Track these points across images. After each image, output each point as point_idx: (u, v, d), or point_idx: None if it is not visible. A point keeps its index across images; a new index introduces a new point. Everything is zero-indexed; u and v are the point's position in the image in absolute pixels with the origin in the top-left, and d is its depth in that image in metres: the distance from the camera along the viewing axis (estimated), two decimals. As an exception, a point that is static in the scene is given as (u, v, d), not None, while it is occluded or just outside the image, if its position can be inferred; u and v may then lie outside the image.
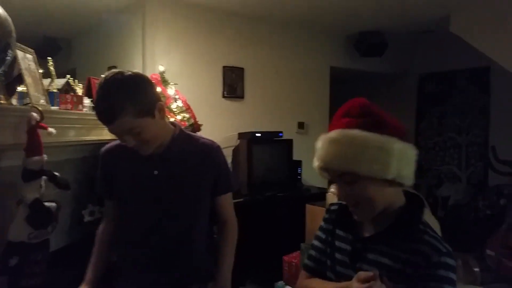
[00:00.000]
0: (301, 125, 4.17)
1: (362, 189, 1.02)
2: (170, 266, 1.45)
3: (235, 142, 3.50)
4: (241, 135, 3.46)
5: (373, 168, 0.98)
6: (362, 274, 0.97)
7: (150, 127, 1.30)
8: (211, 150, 1.49)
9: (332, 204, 1.27)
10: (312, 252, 1.24)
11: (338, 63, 4.52)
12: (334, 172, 1.05)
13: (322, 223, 1.26)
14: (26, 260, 1.40)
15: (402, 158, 1.01)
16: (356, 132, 1.00)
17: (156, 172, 1.41)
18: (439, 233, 2.59)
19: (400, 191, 1.09)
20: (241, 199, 3.13)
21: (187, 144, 1.47)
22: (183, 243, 1.46)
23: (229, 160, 3.50)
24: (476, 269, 3.29)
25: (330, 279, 1.16)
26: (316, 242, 1.25)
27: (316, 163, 1.08)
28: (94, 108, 1.29)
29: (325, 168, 1.06)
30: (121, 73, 1.27)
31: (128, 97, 1.23)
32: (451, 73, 4.78)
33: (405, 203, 1.08)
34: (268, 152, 3.45)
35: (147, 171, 1.41)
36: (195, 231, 1.48)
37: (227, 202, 1.57)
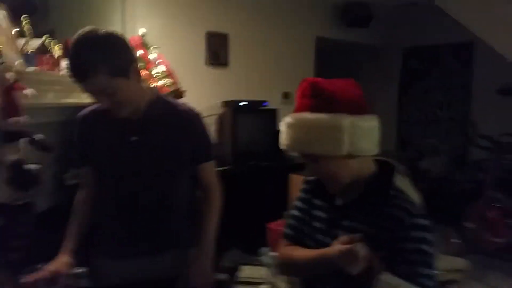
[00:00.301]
0: (285, 95, 4.14)
1: (324, 166, 1.08)
2: (148, 234, 1.43)
3: (219, 110, 3.45)
4: (225, 104, 3.41)
5: (325, 148, 1.03)
6: (345, 237, 1.00)
7: (124, 88, 1.24)
8: (190, 117, 1.44)
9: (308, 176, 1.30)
10: (291, 221, 1.27)
11: (324, 33, 4.47)
12: (296, 153, 1.11)
13: (300, 193, 1.29)
14: (12, 221, 1.39)
15: (355, 132, 1.03)
16: (306, 115, 1.05)
17: (133, 138, 1.37)
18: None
19: (368, 160, 1.12)
20: (225, 168, 3.13)
21: (165, 110, 1.41)
22: (161, 210, 1.44)
23: (212, 128, 3.47)
24: (456, 241, 3.41)
25: (309, 247, 1.18)
26: (294, 212, 1.27)
27: (281, 145, 1.15)
28: (68, 68, 1.21)
29: (289, 150, 1.12)
30: (95, 30, 1.21)
31: (101, 55, 1.17)
32: (435, 47, 4.79)
33: (376, 171, 1.12)
34: (252, 121, 3.42)
35: (124, 137, 1.37)
36: (173, 197, 1.46)
37: (208, 170, 1.53)
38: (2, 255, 1.41)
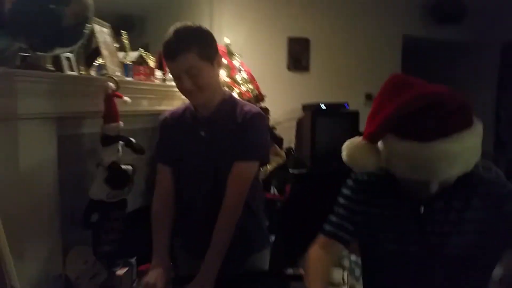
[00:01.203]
0: (368, 97, 4.03)
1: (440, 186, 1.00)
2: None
3: (300, 114, 3.48)
4: (305, 107, 3.43)
5: (461, 170, 0.94)
6: None
7: (207, 73, 1.36)
8: (249, 114, 1.42)
9: (360, 175, 1.18)
10: (334, 219, 1.19)
11: (411, 31, 4.26)
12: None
13: (345, 191, 1.19)
14: (106, 217, 1.56)
15: None
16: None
17: (202, 134, 1.47)
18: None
19: None
20: (304, 170, 3.15)
21: (232, 109, 1.47)
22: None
23: (293, 132, 3.52)
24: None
25: (391, 252, 1.09)
26: (341, 210, 1.19)
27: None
28: (163, 47, 1.37)
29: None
30: (190, 22, 1.40)
31: (193, 38, 1.34)
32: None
33: None
34: (332, 124, 3.39)
35: (195, 133, 1.48)
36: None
37: (243, 169, 1.40)
38: (97, 247, 1.57)
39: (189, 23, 1.39)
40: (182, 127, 1.52)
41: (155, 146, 1.60)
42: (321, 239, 1.21)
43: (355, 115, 3.50)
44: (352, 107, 3.55)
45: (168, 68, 1.43)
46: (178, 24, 1.38)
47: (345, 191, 1.20)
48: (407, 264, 1.07)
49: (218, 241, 1.36)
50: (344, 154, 1.03)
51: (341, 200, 1.20)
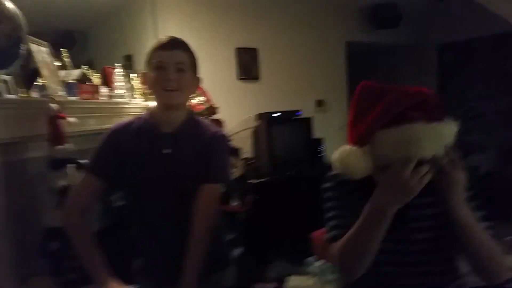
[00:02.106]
0: (319, 103, 4.12)
1: None
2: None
3: (254, 123, 3.49)
4: (259, 116, 3.44)
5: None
6: None
7: (190, 78, 1.41)
8: (217, 137, 1.45)
9: (335, 176, 1.18)
10: (335, 222, 1.16)
11: (353, 37, 4.43)
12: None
13: (330, 194, 1.19)
14: (67, 244, 1.44)
15: None
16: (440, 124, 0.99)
17: (164, 151, 1.39)
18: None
19: None
20: (263, 179, 3.14)
21: (196, 129, 1.44)
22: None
23: (249, 142, 3.51)
24: (509, 238, 3.21)
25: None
26: (335, 212, 1.17)
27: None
28: (159, 41, 1.40)
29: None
30: None
31: (189, 47, 1.43)
32: (470, 41, 4.61)
33: None
34: (287, 131, 3.43)
35: (157, 150, 1.39)
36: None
37: (212, 192, 1.41)
38: (59, 276, 1.47)
39: None
40: (140, 142, 1.40)
41: (91, 155, 1.41)
42: (332, 246, 1.16)
43: (307, 122, 3.56)
44: (304, 114, 3.61)
45: (158, 57, 1.37)
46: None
47: (329, 193, 1.20)
48: (389, 263, 1.11)
49: (193, 267, 1.34)
50: (337, 163, 1.07)
51: (329, 204, 1.19)
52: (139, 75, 2.64)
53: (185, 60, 1.39)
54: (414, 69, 5.01)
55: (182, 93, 1.40)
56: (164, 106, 1.41)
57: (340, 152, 1.07)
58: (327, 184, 1.21)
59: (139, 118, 1.47)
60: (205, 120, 1.57)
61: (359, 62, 4.70)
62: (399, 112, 0.98)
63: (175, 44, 1.39)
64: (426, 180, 0.95)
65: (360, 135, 1.04)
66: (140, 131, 1.41)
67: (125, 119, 1.48)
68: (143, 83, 1.59)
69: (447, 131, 0.99)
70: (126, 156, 1.39)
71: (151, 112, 1.47)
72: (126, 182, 1.43)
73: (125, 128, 1.44)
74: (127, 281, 1.64)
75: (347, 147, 1.06)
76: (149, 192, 1.42)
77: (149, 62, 1.40)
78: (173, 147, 1.39)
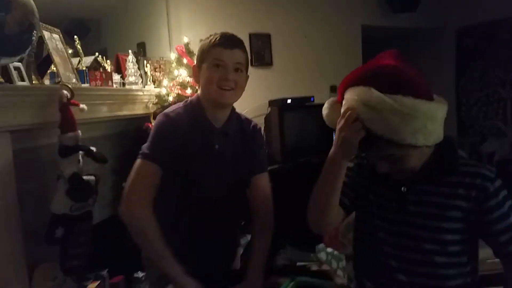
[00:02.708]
0: (333, 89, 4.06)
1: (403, 158, 1.05)
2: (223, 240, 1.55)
3: (266, 110, 3.47)
4: (271, 103, 3.42)
5: (417, 137, 0.97)
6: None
7: (244, 77, 1.46)
8: (257, 131, 1.58)
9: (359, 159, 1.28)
10: (349, 191, 1.25)
11: (369, 21, 4.33)
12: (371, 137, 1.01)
13: (352, 165, 1.26)
14: (71, 231, 1.48)
15: (441, 122, 1.02)
16: (407, 99, 0.96)
17: (217, 146, 1.45)
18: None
19: None
20: (276, 166, 3.14)
21: (239, 123, 1.53)
22: (232, 216, 1.57)
23: (261, 129, 3.50)
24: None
25: (379, 227, 1.16)
26: (351, 181, 1.25)
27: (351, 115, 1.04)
28: (218, 38, 1.40)
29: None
30: None
31: (245, 47, 1.46)
32: (490, 24, 4.46)
33: (436, 146, 1.09)
34: (300, 118, 3.40)
35: (209, 145, 1.45)
36: (239, 205, 1.59)
37: (264, 180, 1.57)
38: (65, 263, 1.51)
39: None
40: (195, 136, 1.43)
41: (149, 143, 1.40)
42: None
43: (321, 108, 3.52)
44: (317, 100, 3.57)
45: (219, 55, 1.37)
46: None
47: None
48: (381, 238, 1.15)
49: (262, 250, 1.50)
50: (323, 111, 1.19)
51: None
52: (151, 62, 2.65)
53: (243, 60, 1.42)
54: (433, 54, 4.89)
55: (236, 93, 1.43)
56: (218, 104, 1.43)
57: (326, 102, 1.19)
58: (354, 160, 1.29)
59: (188, 109, 1.46)
60: (241, 114, 1.61)
61: (375, 47, 4.60)
62: (359, 76, 1.06)
63: (236, 43, 1.40)
64: (358, 135, 1.02)
65: (338, 92, 1.15)
66: (194, 125, 1.44)
67: (172, 108, 1.47)
68: (194, 76, 1.59)
69: (424, 111, 0.96)
70: (183, 148, 1.41)
71: (198, 105, 1.46)
72: (177, 173, 1.43)
73: (180, 120, 1.43)
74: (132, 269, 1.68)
75: (331, 100, 1.18)
76: (200, 184, 1.46)
77: (205, 57, 1.40)
78: (222, 142, 1.46)
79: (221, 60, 1.37)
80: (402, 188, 1.11)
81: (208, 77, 1.38)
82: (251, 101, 3.50)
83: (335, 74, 4.14)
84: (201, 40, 1.50)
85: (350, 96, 1.04)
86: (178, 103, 1.53)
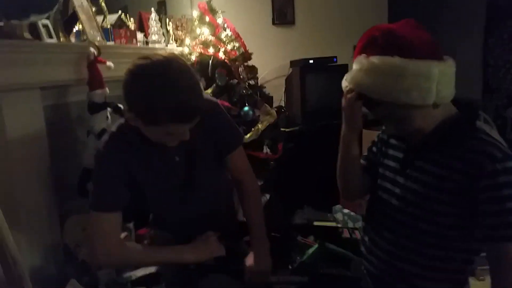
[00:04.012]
0: (356, 49, 3.97)
1: (406, 118, 1.04)
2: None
3: (287, 71, 3.44)
4: (293, 63, 3.38)
5: (412, 97, 0.98)
6: None
7: None
8: (215, 114, 1.30)
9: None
10: (367, 155, 1.31)
11: (397, -22, 4.15)
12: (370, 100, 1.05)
13: (380, 133, 1.30)
14: None
15: (441, 80, 0.99)
16: (389, 59, 0.98)
17: (177, 158, 1.26)
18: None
19: (448, 104, 1.06)
20: (296, 128, 3.15)
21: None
22: (221, 219, 1.45)
23: (282, 90, 3.49)
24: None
25: (379, 186, 1.20)
26: (372, 147, 1.30)
27: (347, 85, 1.10)
28: (174, 111, 1.05)
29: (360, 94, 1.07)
30: (176, 66, 1.07)
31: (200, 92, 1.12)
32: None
33: (457, 113, 1.07)
34: (322, 79, 3.36)
35: (168, 159, 1.25)
36: (222, 200, 1.47)
37: (240, 160, 1.40)
38: None
39: (181, 69, 1.07)
40: (144, 155, 1.22)
41: (92, 190, 1.24)
42: None
43: (344, 68, 3.46)
44: (340, 60, 3.51)
45: (174, 130, 1.10)
46: (174, 74, 1.04)
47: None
48: (386, 200, 1.16)
49: (258, 223, 1.39)
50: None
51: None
52: (173, 21, 2.63)
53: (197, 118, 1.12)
54: (460, 11, 4.68)
55: None
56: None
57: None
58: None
59: (127, 128, 1.19)
60: None
61: (401, 4, 4.43)
62: (359, 46, 1.07)
63: (195, 112, 1.09)
64: (355, 105, 1.08)
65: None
66: (139, 148, 1.21)
67: (108, 138, 1.21)
68: (126, 118, 1.19)
69: (426, 71, 0.97)
70: (134, 179, 1.23)
71: (135, 128, 1.15)
72: (142, 197, 1.30)
73: (116, 150, 1.19)
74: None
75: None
76: (165, 198, 1.33)
77: (151, 122, 1.07)
78: (180, 152, 1.26)
79: (178, 132, 1.12)
80: (409, 153, 1.12)
81: (159, 139, 1.15)
82: (272, 62, 3.47)
83: (359, 33, 3.98)
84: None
85: (353, 68, 1.08)
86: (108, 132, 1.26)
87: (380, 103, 1.04)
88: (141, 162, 1.22)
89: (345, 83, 1.11)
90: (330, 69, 3.42)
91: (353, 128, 1.17)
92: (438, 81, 0.98)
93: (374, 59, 1.00)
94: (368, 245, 1.23)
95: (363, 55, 1.04)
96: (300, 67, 3.21)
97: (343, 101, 1.12)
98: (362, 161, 1.29)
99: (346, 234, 2.28)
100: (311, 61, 3.24)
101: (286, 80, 3.44)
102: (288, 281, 1.32)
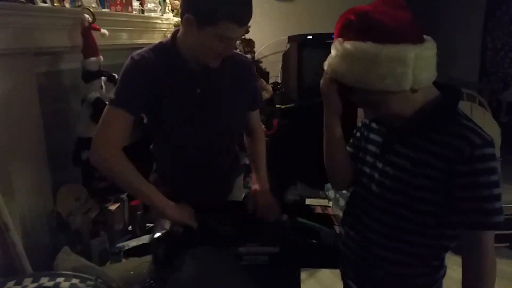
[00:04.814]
0: (355, 27, 3.92)
1: (384, 104, 1.02)
2: (211, 178, 1.50)
3: (285, 46, 3.40)
4: (291, 39, 3.34)
5: (387, 83, 0.95)
6: None
7: None
8: (247, 67, 1.46)
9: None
10: (351, 141, 1.29)
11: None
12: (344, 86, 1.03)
13: (360, 124, 1.28)
14: None
15: (418, 64, 0.95)
16: (362, 45, 0.95)
17: (198, 91, 1.35)
18: (499, 139, 2.48)
19: (429, 87, 1.04)
20: (292, 105, 3.14)
21: (224, 60, 1.34)
22: (224, 156, 1.54)
23: (278, 65, 3.46)
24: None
25: (361, 171, 1.19)
26: (356, 133, 1.28)
27: (327, 71, 1.08)
28: (237, 11, 1.19)
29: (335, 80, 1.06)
30: None
31: None
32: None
33: (438, 96, 1.04)
34: (319, 55, 3.30)
35: (190, 89, 1.34)
36: (234, 143, 1.62)
37: (257, 116, 1.61)
38: (90, 184, 1.59)
39: None
40: (169, 80, 1.32)
41: (116, 88, 1.31)
42: None
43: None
44: (338, 37, 3.47)
45: (231, 33, 1.20)
46: None
47: None
48: (366, 185, 1.16)
49: (263, 165, 1.59)
50: None
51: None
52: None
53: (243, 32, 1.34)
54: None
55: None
56: (204, 64, 1.31)
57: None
58: None
59: (159, 52, 1.32)
60: None
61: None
62: (337, 30, 1.05)
63: (249, 17, 1.24)
64: (331, 88, 1.08)
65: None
66: (168, 69, 1.31)
67: (145, 50, 1.33)
68: (182, 26, 1.28)
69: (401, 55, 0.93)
70: (155, 93, 1.31)
71: (173, 48, 1.32)
72: (158, 119, 1.38)
73: (148, 63, 1.30)
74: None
75: None
76: (181, 130, 1.39)
77: (213, 22, 1.17)
78: (204, 86, 1.35)
79: (230, 37, 1.23)
80: (389, 137, 1.11)
81: (208, 47, 1.23)
82: (270, 37, 3.42)
83: (359, 11, 3.97)
84: None
85: (331, 53, 1.06)
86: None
87: (353, 89, 1.01)
88: (166, 84, 1.31)
89: (325, 67, 1.10)
90: (328, 45, 3.37)
91: (332, 111, 1.16)
92: (415, 65, 0.94)
93: (348, 44, 0.97)
94: (347, 230, 1.23)
95: (340, 39, 1.01)
96: (298, 42, 3.17)
97: (321, 81, 1.12)
98: (348, 148, 1.27)
99: (318, 210, 2.31)
100: (309, 37, 3.20)
101: (283, 55, 3.40)
102: (259, 251, 1.32)
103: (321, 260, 1.40)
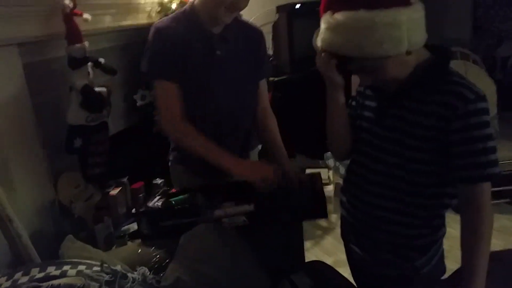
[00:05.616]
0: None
1: (381, 69, 1.02)
2: (235, 139, 1.59)
3: (274, 17, 3.33)
4: (279, 9, 3.27)
5: (385, 48, 0.95)
6: None
7: None
8: (260, 36, 1.57)
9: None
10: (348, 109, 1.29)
11: None
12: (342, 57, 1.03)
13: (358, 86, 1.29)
14: (89, 141, 1.54)
15: (411, 27, 0.96)
16: (354, 14, 0.95)
17: (218, 52, 1.44)
18: (495, 96, 2.49)
19: (421, 49, 1.05)
20: (284, 77, 3.11)
21: (238, 27, 1.49)
22: (246, 117, 1.60)
23: (269, 37, 3.40)
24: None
25: (358, 137, 1.21)
26: (352, 101, 1.29)
27: (319, 44, 1.08)
28: None
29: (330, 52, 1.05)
30: None
31: None
32: None
33: (430, 57, 1.06)
34: (310, 25, 3.26)
35: (209, 51, 1.44)
36: (251, 105, 1.61)
37: (264, 86, 1.64)
38: (86, 171, 1.59)
39: None
40: (193, 44, 1.42)
41: (150, 59, 1.43)
42: None
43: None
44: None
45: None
46: None
47: None
48: (364, 151, 1.18)
49: (277, 131, 1.64)
50: None
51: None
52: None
53: None
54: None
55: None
56: (219, 22, 1.42)
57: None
58: None
59: (179, 18, 1.44)
60: (243, 18, 1.59)
61: None
62: (323, 4, 1.06)
63: None
64: (329, 64, 1.07)
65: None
66: (190, 33, 1.41)
67: (167, 19, 1.47)
68: None
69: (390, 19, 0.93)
70: (183, 58, 1.40)
71: (193, 13, 1.44)
72: (187, 83, 1.44)
73: (173, 30, 1.41)
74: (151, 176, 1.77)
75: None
76: (205, 94, 1.46)
77: None
78: (223, 48, 1.45)
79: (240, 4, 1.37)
80: (384, 102, 1.12)
81: (218, 5, 1.36)
82: (258, 7, 3.34)
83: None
84: None
85: (321, 27, 1.05)
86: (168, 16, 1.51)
87: (351, 59, 1.01)
88: (190, 48, 1.40)
89: (316, 43, 1.09)
90: (319, 13, 3.32)
91: (335, 86, 1.15)
92: (408, 27, 0.95)
93: (339, 15, 0.97)
94: (348, 197, 1.25)
95: (329, 12, 1.01)
96: (287, 12, 3.11)
97: (317, 61, 1.10)
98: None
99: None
100: (297, 6, 3.14)
101: (273, 27, 3.34)
102: (236, 212, 1.35)
103: (299, 212, 1.42)
